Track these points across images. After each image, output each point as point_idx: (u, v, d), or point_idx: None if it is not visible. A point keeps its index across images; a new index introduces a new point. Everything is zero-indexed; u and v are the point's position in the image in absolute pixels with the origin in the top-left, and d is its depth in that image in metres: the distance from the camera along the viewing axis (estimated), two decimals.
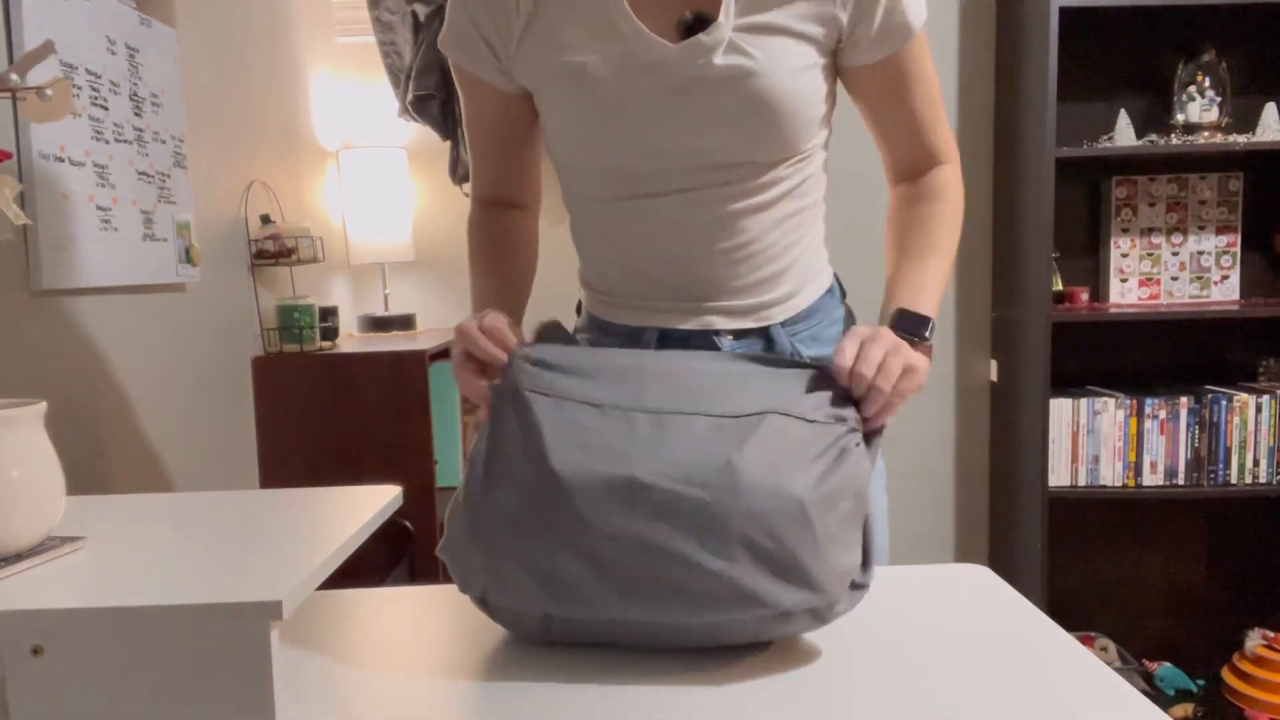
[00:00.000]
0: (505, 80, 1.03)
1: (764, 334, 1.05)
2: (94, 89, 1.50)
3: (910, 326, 0.93)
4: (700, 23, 0.93)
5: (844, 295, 1.15)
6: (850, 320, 1.14)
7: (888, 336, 0.87)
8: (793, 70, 0.94)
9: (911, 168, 1.06)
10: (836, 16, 0.96)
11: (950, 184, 1.05)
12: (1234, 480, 2.40)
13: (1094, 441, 2.42)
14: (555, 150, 1.04)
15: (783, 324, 1.05)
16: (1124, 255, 2.58)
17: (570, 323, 1.13)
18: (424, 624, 0.98)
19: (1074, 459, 2.42)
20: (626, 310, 1.07)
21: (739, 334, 1.05)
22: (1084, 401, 2.41)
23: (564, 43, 0.96)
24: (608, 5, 0.94)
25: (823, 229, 1.10)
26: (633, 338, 1.06)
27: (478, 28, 1.00)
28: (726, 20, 0.93)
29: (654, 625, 0.79)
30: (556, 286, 1.22)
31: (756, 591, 0.76)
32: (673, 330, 1.04)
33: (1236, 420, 2.39)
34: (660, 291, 1.04)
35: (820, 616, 0.80)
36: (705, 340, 1.04)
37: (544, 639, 0.86)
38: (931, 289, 0.98)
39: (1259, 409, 2.38)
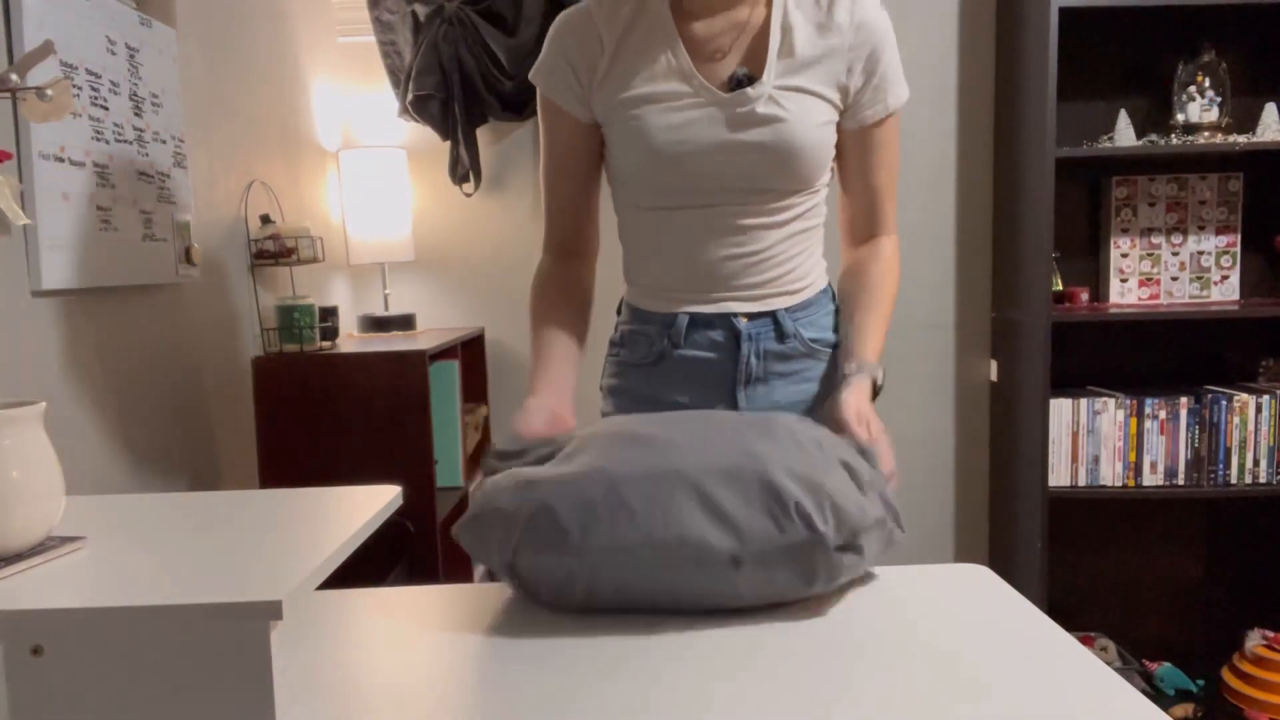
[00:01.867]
0: (584, 110, 1.26)
1: (773, 317, 1.28)
2: (94, 89, 1.50)
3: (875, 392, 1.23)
4: (748, 79, 1.20)
5: (834, 296, 1.36)
6: (836, 313, 1.35)
7: (868, 405, 1.18)
8: (815, 124, 1.21)
9: (864, 230, 1.32)
10: (848, 85, 1.23)
11: (893, 252, 1.32)
12: (1234, 480, 2.40)
13: (1094, 441, 2.42)
14: (615, 166, 1.28)
15: (787, 310, 1.28)
16: (1124, 255, 2.58)
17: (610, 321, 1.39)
18: (424, 624, 0.98)
19: (1074, 459, 2.42)
20: (660, 299, 1.30)
21: (752, 316, 1.27)
22: (1084, 401, 2.41)
23: (637, 81, 1.22)
24: (677, 56, 1.21)
25: (822, 244, 1.34)
26: (666, 322, 1.29)
27: (567, 59, 1.24)
28: (768, 80, 1.20)
29: (679, 543, 0.92)
30: (605, 283, 1.42)
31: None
32: (698, 314, 1.28)
33: (1236, 420, 2.39)
34: (688, 284, 1.28)
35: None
36: (725, 321, 1.27)
37: (572, 598, 0.97)
38: (882, 338, 1.27)
39: (1259, 409, 2.38)
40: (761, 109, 1.19)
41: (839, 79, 1.22)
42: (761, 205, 1.24)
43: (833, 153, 1.26)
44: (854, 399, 1.16)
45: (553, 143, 1.30)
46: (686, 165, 1.21)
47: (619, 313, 1.38)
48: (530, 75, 1.29)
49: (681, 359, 1.29)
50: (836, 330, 1.33)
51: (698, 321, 1.28)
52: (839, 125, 1.25)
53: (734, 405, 1.29)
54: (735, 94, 1.20)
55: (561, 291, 1.31)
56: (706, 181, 1.22)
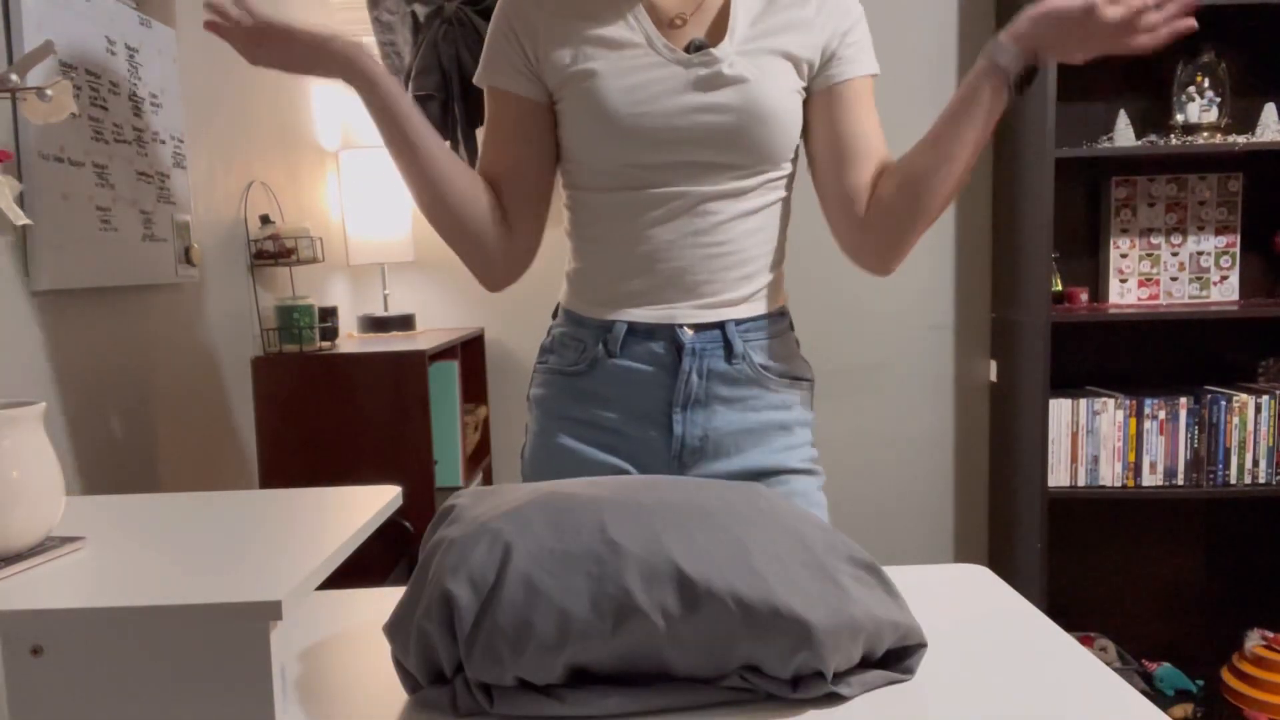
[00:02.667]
0: (534, 84, 1.16)
1: (722, 331, 1.16)
2: (94, 89, 1.50)
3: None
4: (705, 48, 1.12)
5: (792, 327, 1.26)
6: (796, 344, 1.25)
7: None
8: (781, 89, 1.13)
9: (879, 172, 1.19)
10: (814, 57, 1.16)
11: None
12: (1233, 480, 2.41)
13: (1093, 442, 2.42)
14: (566, 142, 1.17)
15: (738, 323, 1.16)
16: (1123, 256, 2.58)
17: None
18: None
19: (1073, 459, 2.42)
20: (599, 305, 1.18)
21: (699, 328, 1.16)
22: (1083, 402, 2.41)
23: (591, 41, 1.12)
24: (638, 18, 1.13)
25: (784, 253, 1.23)
26: (602, 327, 1.17)
27: (508, 31, 1.16)
28: (730, 44, 1.12)
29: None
30: (542, 286, 1.33)
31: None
32: (639, 323, 1.16)
33: (1236, 420, 2.39)
34: (633, 276, 1.16)
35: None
36: (668, 332, 1.15)
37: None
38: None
39: (1258, 409, 2.38)
40: (728, 70, 1.11)
41: (811, 45, 1.15)
42: (723, 182, 1.13)
43: (798, 125, 1.16)
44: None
45: (497, 127, 1.19)
46: (645, 131, 1.11)
47: (554, 317, 1.27)
48: (475, 79, 1.21)
49: (615, 370, 1.16)
50: (791, 363, 1.21)
51: (637, 330, 1.16)
52: (812, 94, 1.17)
53: (668, 428, 1.16)
54: (700, 54, 1.11)
55: (468, 171, 1.19)
56: (666, 152, 1.11)
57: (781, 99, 1.13)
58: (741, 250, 1.16)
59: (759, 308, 1.18)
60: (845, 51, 1.16)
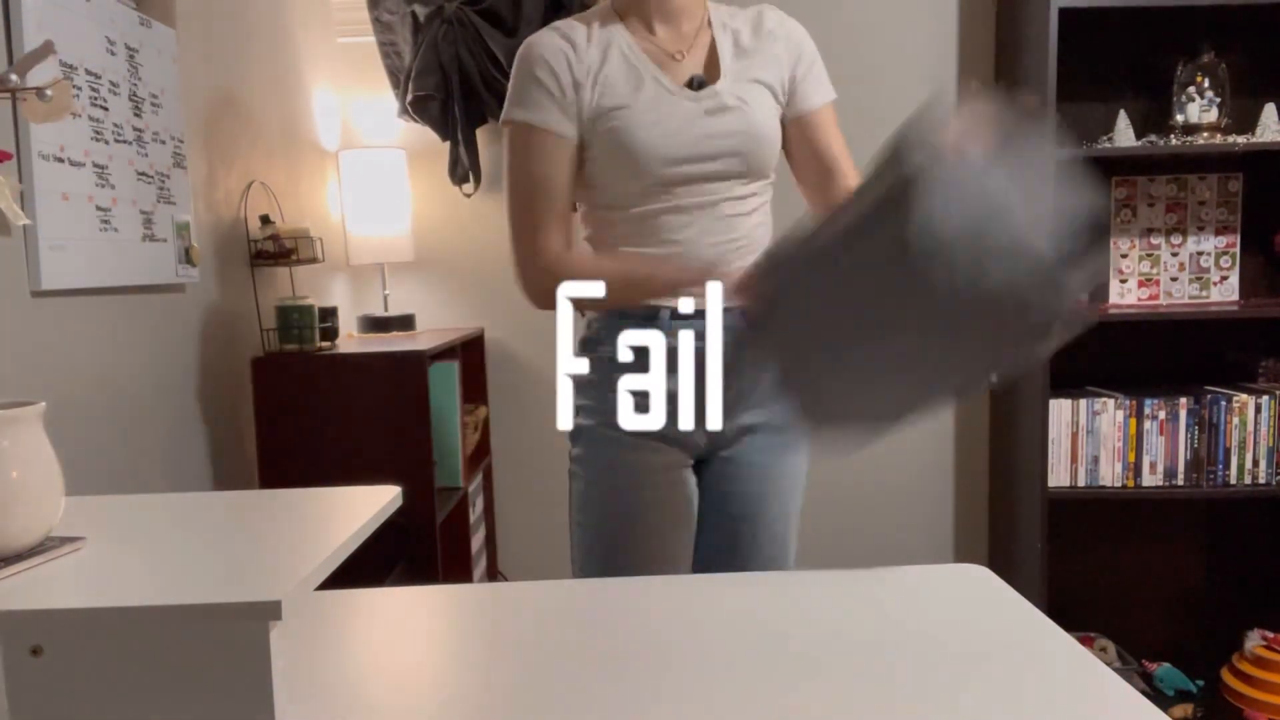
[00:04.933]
0: (570, 124, 1.32)
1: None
2: (94, 89, 1.50)
3: None
4: (703, 82, 1.33)
5: None
6: None
7: None
8: (767, 112, 1.36)
9: (835, 185, 1.39)
10: (786, 80, 1.38)
11: None
12: (1233, 481, 2.40)
13: (1093, 442, 2.42)
14: (596, 175, 1.34)
15: None
16: (1123, 256, 2.58)
17: None
18: (423, 624, 0.98)
19: (1073, 459, 2.42)
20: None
21: (728, 309, 1.22)
22: (1083, 402, 2.41)
23: (612, 88, 1.32)
24: (641, 64, 1.33)
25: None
26: (649, 316, 1.30)
27: (548, 73, 1.31)
28: (726, 80, 1.34)
29: None
30: None
31: None
32: (677, 307, 1.26)
33: (1236, 421, 2.39)
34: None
35: None
36: (702, 314, 1.20)
37: None
38: None
39: (1258, 409, 2.38)
40: (728, 100, 1.33)
41: (780, 75, 1.38)
42: (735, 192, 1.34)
43: (780, 142, 1.38)
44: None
45: (535, 168, 1.32)
46: (673, 159, 1.30)
47: (582, 313, 1.37)
48: (504, 117, 1.34)
49: (670, 349, 1.21)
50: None
51: (679, 314, 1.25)
52: (787, 120, 1.39)
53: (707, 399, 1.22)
54: (704, 90, 1.33)
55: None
56: (691, 170, 1.31)
57: (771, 121, 1.37)
58: (753, 241, 1.36)
59: None
60: (806, 85, 1.39)
